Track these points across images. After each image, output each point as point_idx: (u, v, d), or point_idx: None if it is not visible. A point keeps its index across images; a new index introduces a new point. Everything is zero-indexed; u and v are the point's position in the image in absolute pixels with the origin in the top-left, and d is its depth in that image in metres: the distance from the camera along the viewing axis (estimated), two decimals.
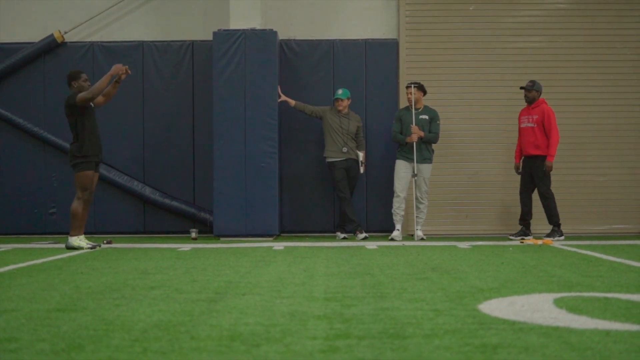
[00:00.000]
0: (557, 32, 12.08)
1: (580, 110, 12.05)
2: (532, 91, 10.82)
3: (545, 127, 10.77)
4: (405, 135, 11.01)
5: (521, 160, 11.01)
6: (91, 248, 9.27)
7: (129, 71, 9.44)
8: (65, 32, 12.04)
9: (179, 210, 11.90)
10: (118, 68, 9.30)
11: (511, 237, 10.89)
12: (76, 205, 9.19)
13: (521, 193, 11.00)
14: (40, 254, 8.69)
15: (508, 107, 11.79)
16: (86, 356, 3.32)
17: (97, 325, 4.01)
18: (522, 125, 10.92)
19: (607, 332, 3.76)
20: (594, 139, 12.06)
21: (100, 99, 9.36)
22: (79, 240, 9.27)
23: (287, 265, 7.26)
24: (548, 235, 10.83)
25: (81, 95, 9.07)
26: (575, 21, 12.08)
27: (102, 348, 3.46)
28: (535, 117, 10.79)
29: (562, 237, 10.79)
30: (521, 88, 10.96)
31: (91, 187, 9.25)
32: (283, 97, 11.36)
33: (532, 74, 11.95)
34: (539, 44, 12.08)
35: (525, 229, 10.94)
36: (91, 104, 9.24)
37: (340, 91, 11.33)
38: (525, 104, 10.96)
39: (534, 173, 10.85)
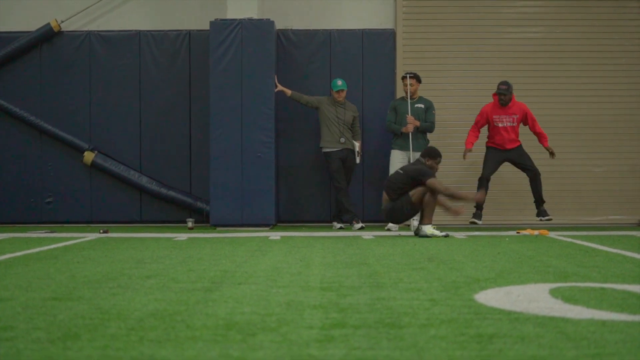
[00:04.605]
0: (555, 22, 12.06)
1: (578, 100, 12.03)
2: (507, 94, 10.65)
3: (529, 123, 10.78)
4: (400, 125, 11.01)
5: (492, 152, 10.89)
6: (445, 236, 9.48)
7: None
8: (62, 21, 11.99)
9: (175, 199, 11.89)
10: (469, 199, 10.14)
11: (478, 222, 10.85)
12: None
13: (486, 179, 10.85)
14: (37, 243, 8.69)
15: None
16: (82, 345, 3.32)
17: (93, 314, 4.01)
18: (500, 125, 10.74)
19: (603, 322, 3.76)
20: (591, 129, 12.04)
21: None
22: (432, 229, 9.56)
23: (283, 255, 7.26)
24: (540, 214, 10.80)
25: (433, 182, 9.48)
26: (573, 12, 12.05)
27: (98, 337, 3.47)
28: (515, 116, 10.72)
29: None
30: (498, 94, 10.68)
31: None
32: (279, 87, 11.33)
33: (529, 64, 11.95)
34: (537, 34, 12.06)
35: (480, 212, 10.94)
36: None
37: (340, 82, 11.30)
38: (497, 104, 10.68)
39: (520, 159, 10.84)
